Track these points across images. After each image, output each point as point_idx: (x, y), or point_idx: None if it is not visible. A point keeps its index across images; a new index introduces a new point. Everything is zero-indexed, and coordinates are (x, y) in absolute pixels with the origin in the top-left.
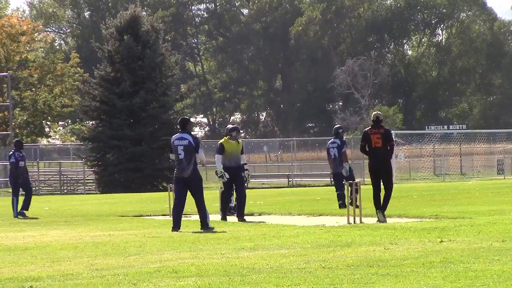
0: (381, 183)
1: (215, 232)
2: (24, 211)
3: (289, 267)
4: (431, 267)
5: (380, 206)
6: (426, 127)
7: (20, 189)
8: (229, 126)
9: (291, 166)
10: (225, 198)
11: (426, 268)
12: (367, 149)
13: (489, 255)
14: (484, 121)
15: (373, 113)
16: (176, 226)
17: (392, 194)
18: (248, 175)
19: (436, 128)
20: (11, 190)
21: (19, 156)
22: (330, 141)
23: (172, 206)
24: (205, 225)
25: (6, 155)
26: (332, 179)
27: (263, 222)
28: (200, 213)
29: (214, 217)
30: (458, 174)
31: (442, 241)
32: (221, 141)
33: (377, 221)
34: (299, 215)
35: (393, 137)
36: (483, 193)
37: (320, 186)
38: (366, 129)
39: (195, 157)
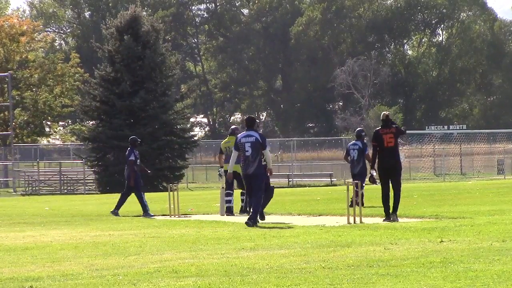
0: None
1: (257, 226)
2: (117, 211)
3: (289, 267)
4: (431, 267)
5: (389, 207)
6: (426, 127)
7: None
8: (233, 126)
9: (291, 166)
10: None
11: (426, 268)
12: (378, 149)
13: (489, 255)
14: (484, 121)
15: (383, 112)
16: (255, 221)
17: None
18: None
19: (436, 128)
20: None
21: (137, 154)
22: (351, 142)
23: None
24: (254, 221)
25: (6, 155)
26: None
27: (265, 222)
28: (253, 207)
29: (214, 217)
30: (458, 174)
31: (442, 241)
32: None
33: (384, 220)
34: (299, 215)
35: None
36: (483, 193)
37: (320, 186)
38: (377, 129)
39: (261, 155)
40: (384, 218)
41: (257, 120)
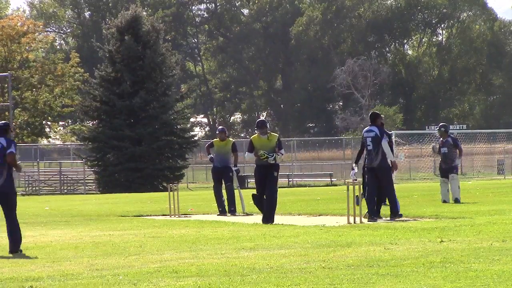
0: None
1: (402, 220)
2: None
3: (289, 267)
4: (431, 267)
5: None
6: (427, 127)
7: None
8: (220, 127)
9: (291, 166)
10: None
11: (426, 268)
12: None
13: (489, 255)
14: (484, 121)
15: (371, 112)
16: (374, 214)
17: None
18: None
19: (436, 128)
20: None
21: None
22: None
23: (365, 196)
24: (394, 214)
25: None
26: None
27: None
28: (389, 202)
29: (214, 217)
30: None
31: (442, 241)
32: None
33: (365, 215)
34: (299, 215)
35: (393, 137)
36: (483, 193)
37: (320, 186)
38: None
39: (382, 148)
40: (365, 214)
41: (382, 116)
